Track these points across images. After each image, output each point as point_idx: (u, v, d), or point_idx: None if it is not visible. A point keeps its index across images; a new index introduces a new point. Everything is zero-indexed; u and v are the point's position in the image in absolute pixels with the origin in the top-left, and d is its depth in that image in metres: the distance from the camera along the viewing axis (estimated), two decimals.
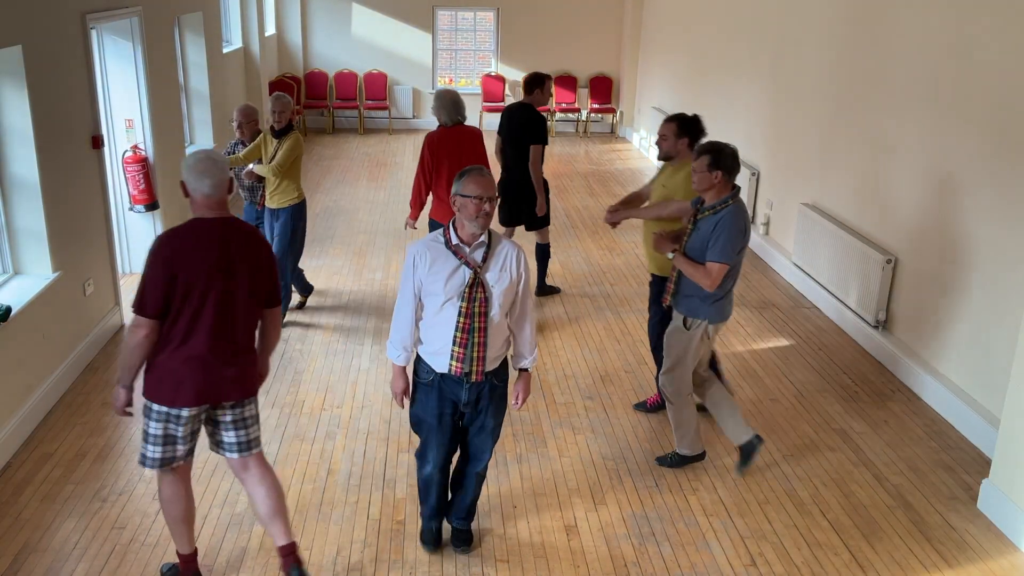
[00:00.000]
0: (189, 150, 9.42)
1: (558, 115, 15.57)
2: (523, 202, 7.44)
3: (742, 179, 9.62)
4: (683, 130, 5.37)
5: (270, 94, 13.69)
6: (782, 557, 4.43)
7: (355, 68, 15.18)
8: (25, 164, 5.62)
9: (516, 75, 15.50)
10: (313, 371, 6.28)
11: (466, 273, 3.86)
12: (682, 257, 4.78)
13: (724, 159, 4.61)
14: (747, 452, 5.03)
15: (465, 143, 6.61)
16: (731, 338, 7.04)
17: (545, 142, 7.37)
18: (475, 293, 3.86)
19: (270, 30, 14.48)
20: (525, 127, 7.29)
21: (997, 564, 4.42)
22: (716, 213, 4.66)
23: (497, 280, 3.91)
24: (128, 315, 7.09)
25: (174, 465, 3.83)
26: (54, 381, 5.71)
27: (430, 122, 15.55)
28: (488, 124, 15.55)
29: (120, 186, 7.83)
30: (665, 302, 5.05)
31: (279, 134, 6.74)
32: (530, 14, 15.30)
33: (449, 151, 6.54)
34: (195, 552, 4.09)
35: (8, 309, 5.10)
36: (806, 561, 4.40)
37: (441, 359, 3.96)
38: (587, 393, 6.07)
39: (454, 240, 3.90)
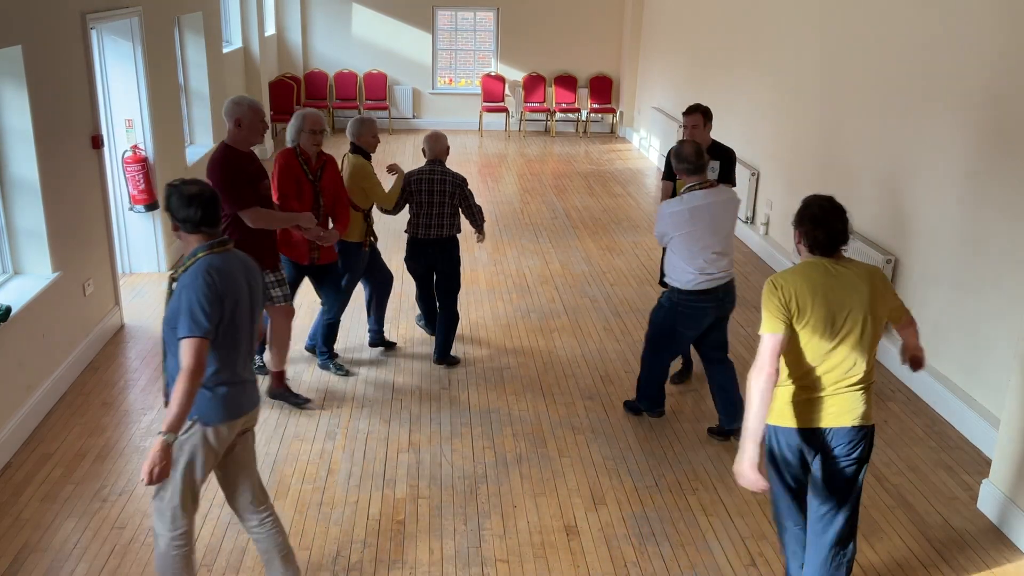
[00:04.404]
0: (189, 150, 9.42)
1: (558, 115, 15.58)
2: None
3: (742, 179, 9.61)
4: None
5: (270, 94, 13.79)
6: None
7: (355, 68, 15.18)
8: (25, 164, 5.62)
9: (516, 75, 15.51)
10: (313, 372, 6.28)
11: None
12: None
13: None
14: None
15: None
16: (731, 338, 7.03)
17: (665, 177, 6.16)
18: None
19: (270, 30, 14.48)
20: None
21: (997, 564, 4.42)
22: (187, 271, 3.45)
23: None
24: (128, 315, 7.09)
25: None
26: (54, 381, 5.71)
27: (430, 122, 15.57)
28: (487, 125, 15.56)
29: (120, 186, 7.82)
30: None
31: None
32: (530, 14, 15.30)
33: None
34: (283, 372, 5.80)
35: (8, 309, 5.10)
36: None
37: None
38: (587, 393, 6.07)
39: None
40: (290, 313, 5.68)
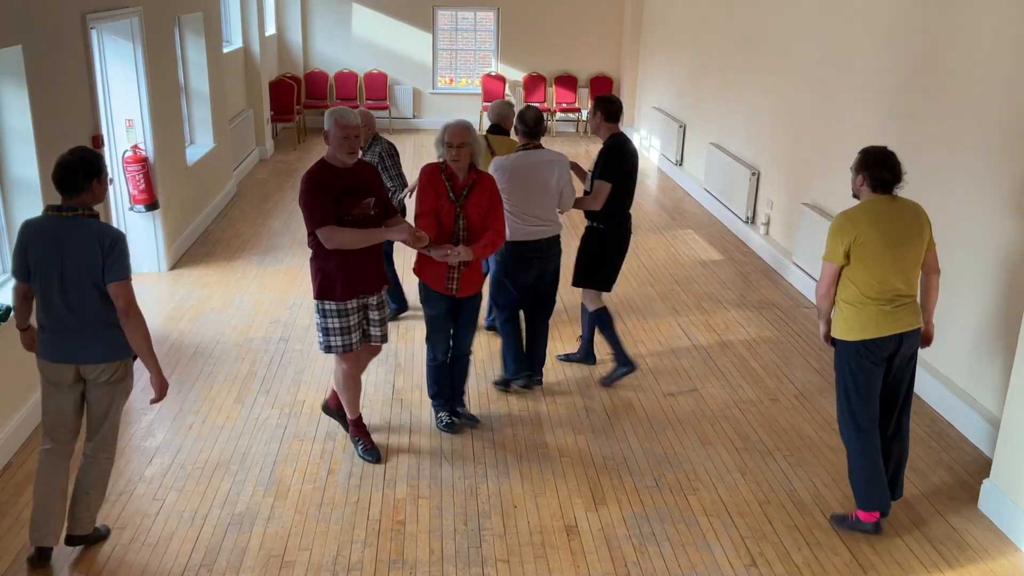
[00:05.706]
0: (189, 150, 9.43)
1: (558, 115, 15.58)
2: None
3: (742, 178, 9.62)
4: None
5: (270, 94, 13.79)
6: (782, 557, 4.43)
7: (355, 68, 15.18)
8: (25, 164, 5.62)
9: (516, 75, 15.51)
10: (313, 371, 6.28)
11: None
12: None
13: None
14: None
15: None
16: (731, 338, 7.04)
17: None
18: None
19: (270, 30, 14.47)
20: None
21: (997, 564, 4.43)
22: None
23: None
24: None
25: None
26: None
27: (430, 122, 15.57)
28: (487, 124, 15.53)
29: (120, 186, 7.83)
30: None
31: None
32: (530, 14, 15.30)
33: None
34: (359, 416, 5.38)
35: (8, 309, 5.10)
36: (806, 561, 4.40)
37: None
38: (587, 393, 6.07)
39: None
40: (375, 352, 5.28)
